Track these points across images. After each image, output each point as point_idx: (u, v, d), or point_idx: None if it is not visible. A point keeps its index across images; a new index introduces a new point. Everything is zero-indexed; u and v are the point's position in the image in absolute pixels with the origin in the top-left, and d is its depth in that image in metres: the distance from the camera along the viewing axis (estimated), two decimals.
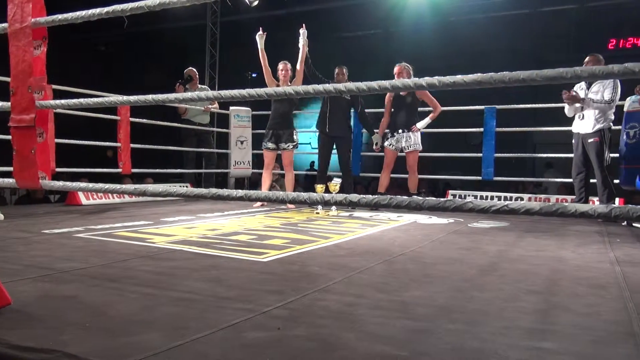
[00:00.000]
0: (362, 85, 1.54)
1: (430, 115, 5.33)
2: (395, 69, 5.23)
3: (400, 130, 5.28)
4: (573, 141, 4.96)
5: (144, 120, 5.96)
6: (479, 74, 1.41)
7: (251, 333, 1.39)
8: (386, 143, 5.37)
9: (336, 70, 5.52)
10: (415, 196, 1.72)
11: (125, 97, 2.12)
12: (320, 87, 1.63)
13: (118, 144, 5.50)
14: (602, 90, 4.59)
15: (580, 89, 4.84)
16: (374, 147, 5.49)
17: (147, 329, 1.39)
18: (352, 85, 1.57)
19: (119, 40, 14.76)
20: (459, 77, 1.41)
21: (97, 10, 1.86)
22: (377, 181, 5.72)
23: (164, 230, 3.37)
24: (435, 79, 1.44)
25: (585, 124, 4.72)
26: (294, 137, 5.38)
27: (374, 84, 1.53)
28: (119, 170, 5.55)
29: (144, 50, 14.45)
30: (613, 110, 4.63)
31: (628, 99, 4.74)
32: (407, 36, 10.91)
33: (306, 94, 1.65)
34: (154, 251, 2.61)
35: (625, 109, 4.73)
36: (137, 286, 1.89)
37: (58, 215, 4.24)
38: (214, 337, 1.35)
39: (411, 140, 5.27)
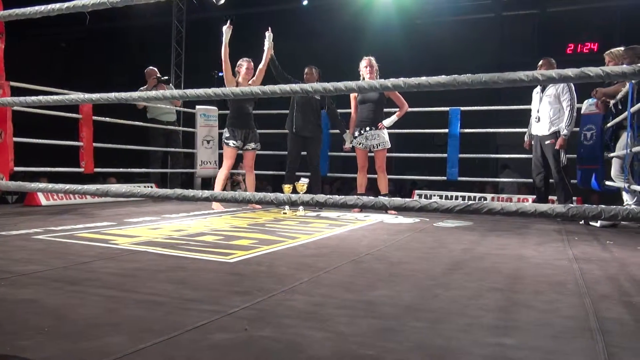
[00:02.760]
0: (329, 85, 1.54)
1: (397, 112, 5.24)
2: (364, 62, 5.13)
3: (367, 128, 5.18)
4: (531, 142, 5.13)
5: (107, 119, 5.82)
6: (442, 76, 1.44)
7: (217, 334, 1.37)
8: (354, 142, 5.25)
9: (305, 70, 5.51)
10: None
11: (87, 95, 2.07)
12: (287, 87, 1.63)
13: (80, 143, 5.36)
14: (557, 94, 4.75)
15: (536, 93, 5.01)
16: (344, 146, 5.41)
17: (110, 333, 1.36)
18: (318, 85, 1.57)
19: (81, 36, 14.38)
20: (423, 79, 1.44)
21: (56, 5, 1.81)
22: (344, 181, 5.74)
23: (127, 232, 3.30)
24: (401, 80, 1.46)
25: (541, 126, 4.88)
26: (258, 137, 5.37)
27: (341, 84, 1.54)
28: (81, 169, 5.40)
29: (107, 48, 14.12)
30: (574, 114, 4.76)
31: (585, 101, 4.91)
32: (375, 37, 11.01)
33: (273, 94, 1.65)
34: (117, 253, 2.56)
35: (582, 112, 4.90)
36: (100, 288, 1.85)
37: (16, 216, 4.10)
38: (180, 339, 1.33)
39: (379, 139, 5.18)
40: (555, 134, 4.77)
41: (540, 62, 4.78)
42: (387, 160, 5.35)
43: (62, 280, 1.95)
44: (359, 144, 5.23)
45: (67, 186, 1.90)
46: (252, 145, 5.33)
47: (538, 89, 4.97)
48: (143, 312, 1.57)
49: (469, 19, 11.55)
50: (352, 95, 5.35)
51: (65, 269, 2.16)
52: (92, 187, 1.95)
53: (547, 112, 4.80)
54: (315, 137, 5.56)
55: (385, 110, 5.36)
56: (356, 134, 5.23)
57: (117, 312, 1.56)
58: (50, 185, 2.02)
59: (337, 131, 6.09)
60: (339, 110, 5.66)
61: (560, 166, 4.77)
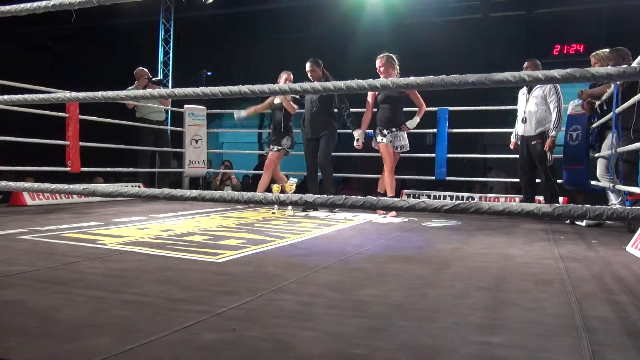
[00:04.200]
0: (305, 85, 1.55)
1: (418, 113, 5.06)
2: (377, 62, 4.90)
3: (393, 129, 4.95)
4: (517, 143, 5.18)
5: (95, 118, 5.77)
6: (431, 77, 1.44)
7: (206, 335, 1.37)
8: (385, 140, 4.93)
9: (307, 67, 5.17)
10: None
11: (73, 94, 2.05)
12: (275, 86, 1.63)
13: (66, 142, 5.30)
14: (543, 95, 4.80)
15: (522, 94, 5.06)
16: (356, 143, 5.09)
17: (96, 334, 1.35)
18: (307, 85, 1.57)
19: (68, 34, 14.23)
20: (412, 79, 1.45)
21: (42, 3, 1.78)
22: (340, 181, 5.69)
23: (114, 232, 3.28)
24: (389, 81, 1.47)
25: (527, 126, 4.92)
26: (279, 141, 5.48)
27: (329, 84, 1.54)
28: (68, 169, 5.35)
29: (95, 46, 13.99)
30: (561, 114, 4.81)
31: (571, 102, 4.97)
32: (363, 38, 11.03)
33: (262, 94, 1.64)
34: (104, 253, 2.54)
35: (568, 112, 4.96)
36: (86, 289, 1.83)
37: (1, 216, 4.05)
38: (167, 340, 1.32)
39: (404, 140, 5.02)
40: (542, 135, 4.81)
41: (525, 64, 4.83)
42: (375, 159, 5.26)
43: (47, 281, 1.93)
44: (390, 143, 4.96)
45: (53, 186, 1.88)
46: (271, 147, 5.56)
47: (524, 89, 5.01)
48: (130, 312, 1.56)
49: (457, 20, 11.62)
50: (371, 94, 5.07)
51: (51, 269, 2.14)
52: (78, 187, 1.93)
53: (534, 113, 4.84)
54: (324, 135, 5.21)
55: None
56: (385, 132, 4.95)
57: (103, 313, 1.54)
58: (36, 185, 2.00)
59: None
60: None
61: (546, 166, 4.81)
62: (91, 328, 1.40)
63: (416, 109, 5.13)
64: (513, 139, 5.20)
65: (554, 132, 4.73)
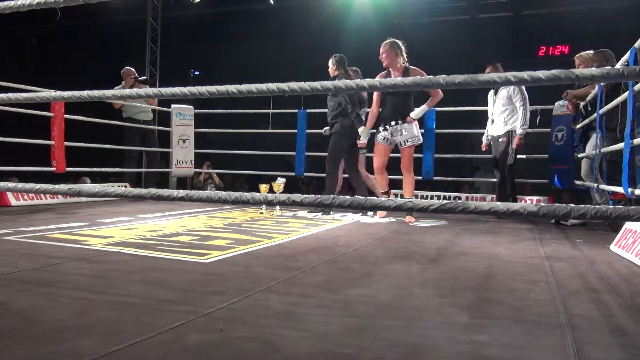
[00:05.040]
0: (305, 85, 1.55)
1: (428, 102, 4.57)
2: (381, 49, 4.52)
3: (393, 123, 4.52)
4: (489, 143, 5.26)
5: (80, 118, 5.71)
6: (418, 77, 1.45)
7: (192, 336, 1.36)
8: (379, 137, 4.62)
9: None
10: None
11: (58, 93, 2.03)
12: (264, 86, 1.62)
13: (51, 142, 5.24)
14: (508, 95, 4.91)
15: (490, 96, 5.17)
16: (359, 142, 4.80)
17: (81, 335, 1.34)
18: (295, 85, 1.57)
19: (53, 33, 14.07)
20: (399, 79, 1.45)
21: (27, 1, 1.76)
22: (320, 181, 5.67)
23: (100, 232, 3.25)
24: (377, 81, 1.47)
25: (495, 126, 5.06)
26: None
27: (317, 84, 1.54)
28: (53, 169, 5.29)
29: (81, 45, 13.84)
30: (528, 114, 4.89)
31: (556, 103, 5.03)
32: (352, 37, 11.04)
33: (249, 93, 1.64)
34: (89, 253, 2.51)
35: (553, 113, 5.02)
36: (71, 290, 1.81)
37: None
38: (153, 341, 1.31)
39: (408, 134, 4.51)
40: (508, 133, 4.91)
41: (487, 69, 4.88)
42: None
43: (32, 282, 1.91)
44: (383, 139, 4.59)
45: (38, 186, 1.85)
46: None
47: (492, 92, 5.13)
48: (115, 314, 1.55)
49: (445, 21, 11.68)
50: None
51: (35, 270, 2.12)
52: (63, 187, 1.91)
53: (501, 113, 4.96)
54: (332, 134, 5.00)
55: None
56: (380, 128, 4.62)
57: (88, 314, 1.53)
58: (20, 185, 1.97)
59: (315, 130, 6.06)
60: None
61: (507, 163, 4.90)
62: (76, 329, 1.38)
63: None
64: (485, 140, 5.33)
65: (520, 130, 4.81)
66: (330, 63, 4.90)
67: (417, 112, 4.55)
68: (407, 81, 1.53)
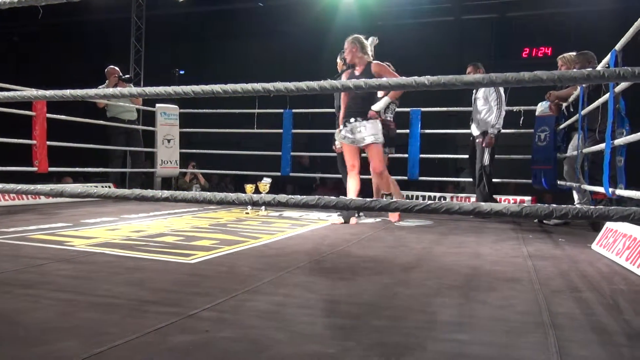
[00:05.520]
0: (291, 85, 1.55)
1: (390, 94, 4.24)
2: (344, 46, 4.28)
3: (352, 120, 4.15)
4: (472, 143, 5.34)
5: (63, 117, 5.64)
6: (403, 78, 1.46)
7: (177, 337, 1.35)
8: (338, 137, 4.33)
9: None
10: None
11: (40, 92, 2.00)
12: (249, 86, 1.62)
13: (33, 142, 5.16)
14: (484, 95, 4.99)
15: (473, 96, 5.24)
16: (334, 146, 4.63)
17: (65, 337, 1.32)
18: (283, 85, 1.57)
19: (35, 31, 13.86)
20: (384, 80, 1.46)
21: None
22: (305, 181, 5.64)
23: (84, 233, 3.21)
24: (362, 81, 1.48)
25: (474, 127, 5.15)
26: None
27: (291, 85, 1.55)
28: (34, 169, 5.21)
29: (63, 43, 13.66)
30: (503, 113, 4.97)
31: (540, 104, 5.09)
32: (337, 38, 11.05)
33: (234, 93, 1.63)
34: (72, 255, 2.48)
35: (536, 114, 5.08)
36: (54, 292, 1.79)
37: None
38: (137, 343, 1.30)
39: (366, 131, 4.10)
40: (485, 133, 4.98)
41: (468, 69, 4.97)
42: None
43: (13, 284, 1.88)
44: (344, 138, 4.23)
45: (20, 186, 1.83)
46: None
47: (474, 92, 5.21)
48: (99, 315, 1.53)
49: (429, 22, 11.75)
50: None
51: (17, 272, 2.09)
52: (46, 187, 1.89)
53: (478, 113, 5.05)
54: None
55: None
56: (341, 126, 4.26)
57: (71, 316, 1.51)
58: (1, 185, 1.94)
59: (300, 130, 6.04)
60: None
61: (482, 163, 4.97)
62: (59, 331, 1.37)
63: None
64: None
65: (492, 130, 4.89)
66: (338, 59, 4.60)
67: (378, 105, 4.18)
68: (392, 82, 1.54)
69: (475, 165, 5.16)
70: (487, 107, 4.98)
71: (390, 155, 5.41)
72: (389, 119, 4.97)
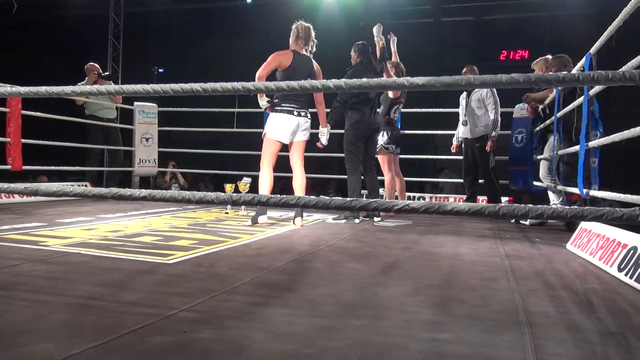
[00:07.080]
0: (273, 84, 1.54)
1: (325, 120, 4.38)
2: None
3: (303, 113, 4.17)
4: (459, 145, 5.39)
5: (39, 114, 5.52)
6: (383, 78, 1.47)
7: (155, 338, 1.34)
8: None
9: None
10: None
11: (15, 88, 1.96)
12: (228, 85, 1.61)
13: (7, 139, 5.05)
14: (481, 98, 5.05)
15: (462, 98, 5.30)
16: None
17: (39, 339, 1.30)
18: (262, 84, 1.57)
19: (11, 26, 13.56)
20: (364, 81, 1.47)
21: None
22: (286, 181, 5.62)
23: (59, 233, 3.15)
24: (342, 82, 1.48)
25: (468, 129, 5.19)
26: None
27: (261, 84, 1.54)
28: (8, 167, 5.09)
29: (40, 39, 13.39)
30: (499, 116, 5.04)
31: (517, 106, 5.17)
32: (317, 37, 11.07)
33: (214, 92, 1.62)
34: (47, 255, 2.43)
35: (513, 116, 5.16)
36: (28, 293, 1.75)
37: None
38: (115, 344, 1.29)
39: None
40: (483, 137, 5.04)
41: (464, 70, 5.04)
42: (329, 160, 5.04)
43: None
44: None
45: None
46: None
47: (464, 94, 5.28)
48: (75, 316, 1.51)
49: (409, 24, 11.85)
50: None
51: None
52: (20, 186, 1.85)
53: (473, 116, 5.08)
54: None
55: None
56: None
57: (47, 318, 1.48)
58: None
59: None
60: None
61: (489, 167, 5.04)
62: (34, 333, 1.34)
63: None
64: (455, 142, 5.49)
65: (493, 133, 4.96)
66: (352, 52, 4.66)
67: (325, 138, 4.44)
68: (372, 83, 1.55)
69: (472, 168, 5.18)
70: (483, 111, 5.03)
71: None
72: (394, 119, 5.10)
